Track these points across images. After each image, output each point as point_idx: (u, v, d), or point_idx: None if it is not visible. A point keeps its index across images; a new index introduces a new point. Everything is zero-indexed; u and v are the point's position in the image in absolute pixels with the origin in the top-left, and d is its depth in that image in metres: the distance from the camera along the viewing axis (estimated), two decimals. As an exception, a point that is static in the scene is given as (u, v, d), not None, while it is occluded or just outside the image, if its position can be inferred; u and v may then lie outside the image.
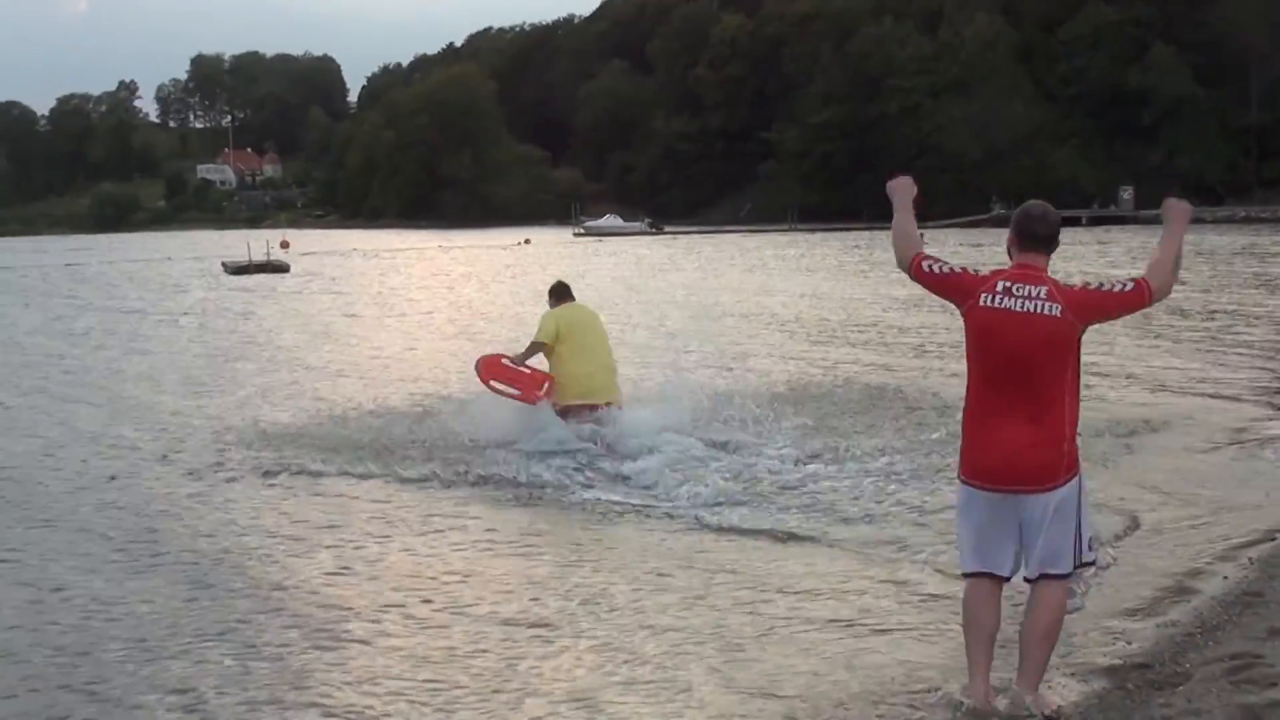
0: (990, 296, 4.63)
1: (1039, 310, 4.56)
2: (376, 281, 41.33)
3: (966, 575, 4.83)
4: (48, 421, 13.20)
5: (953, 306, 4.80)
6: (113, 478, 9.94)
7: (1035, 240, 4.72)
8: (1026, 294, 4.58)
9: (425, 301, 31.34)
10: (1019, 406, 4.58)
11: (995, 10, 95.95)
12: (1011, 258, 4.78)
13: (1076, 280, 4.95)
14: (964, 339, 4.77)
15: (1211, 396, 12.67)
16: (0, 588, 7.04)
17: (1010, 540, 4.70)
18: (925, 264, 4.87)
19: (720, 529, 7.83)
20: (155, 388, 15.63)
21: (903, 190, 5.27)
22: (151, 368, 17.90)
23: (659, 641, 5.85)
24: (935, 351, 16.89)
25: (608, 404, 10.30)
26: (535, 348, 10.48)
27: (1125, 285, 4.68)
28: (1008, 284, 4.63)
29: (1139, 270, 4.74)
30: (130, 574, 7.22)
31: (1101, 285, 4.73)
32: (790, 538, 7.59)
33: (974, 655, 4.82)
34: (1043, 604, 4.73)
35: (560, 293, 10.90)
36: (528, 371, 10.68)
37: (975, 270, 4.84)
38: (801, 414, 11.29)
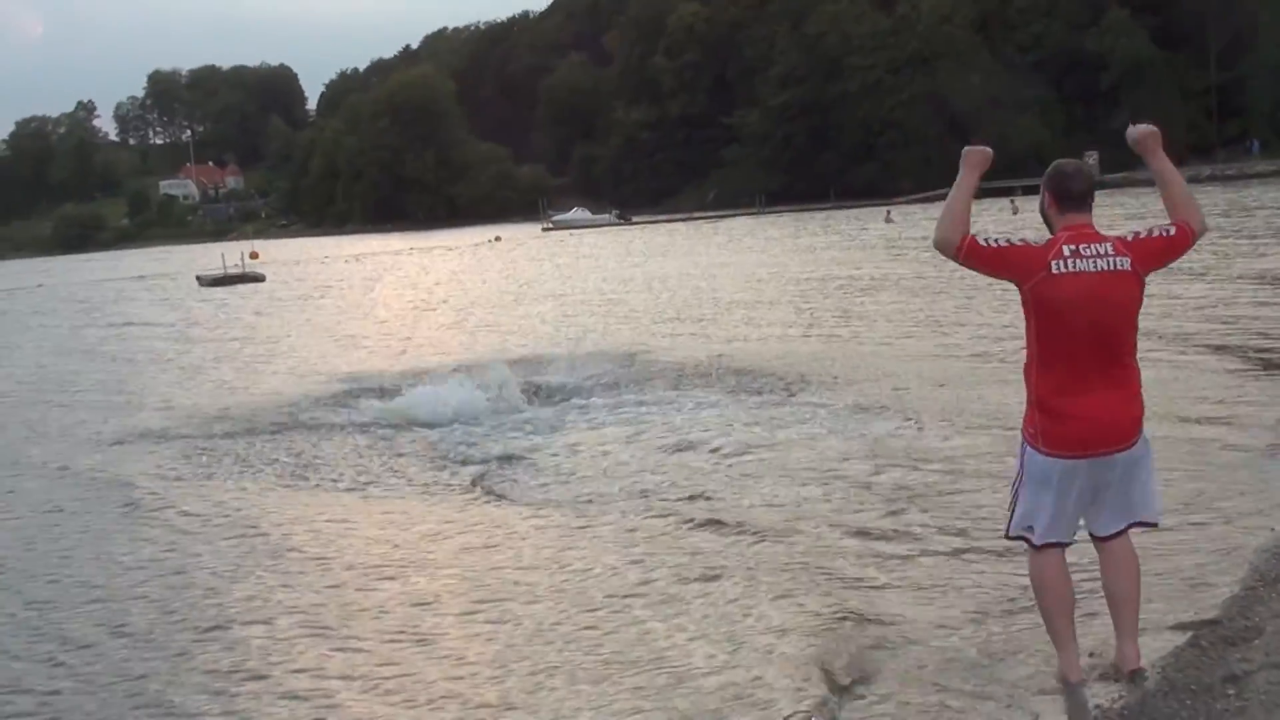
0: (1060, 263, 4.42)
1: (1113, 267, 4.42)
2: (361, 284, 41.18)
3: (1036, 548, 4.66)
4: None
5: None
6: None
7: (1075, 199, 4.57)
8: (1095, 252, 4.43)
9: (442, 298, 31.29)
10: (1105, 368, 4.47)
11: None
12: (1051, 224, 4.63)
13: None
14: (1024, 316, 4.55)
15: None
16: None
17: (1082, 506, 4.63)
18: (981, 239, 4.52)
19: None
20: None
21: (979, 161, 4.82)
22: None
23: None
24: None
25: None
26: None
27: (1168, 229, 4.59)
28: (1073, 247, 4.44)
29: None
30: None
31: (1151, 232, 4.58)
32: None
33: (1063, 630, 4.74)
34: (1129, 556, 4.68)
35: None
36: None
37: (1031, 241, 4.60)
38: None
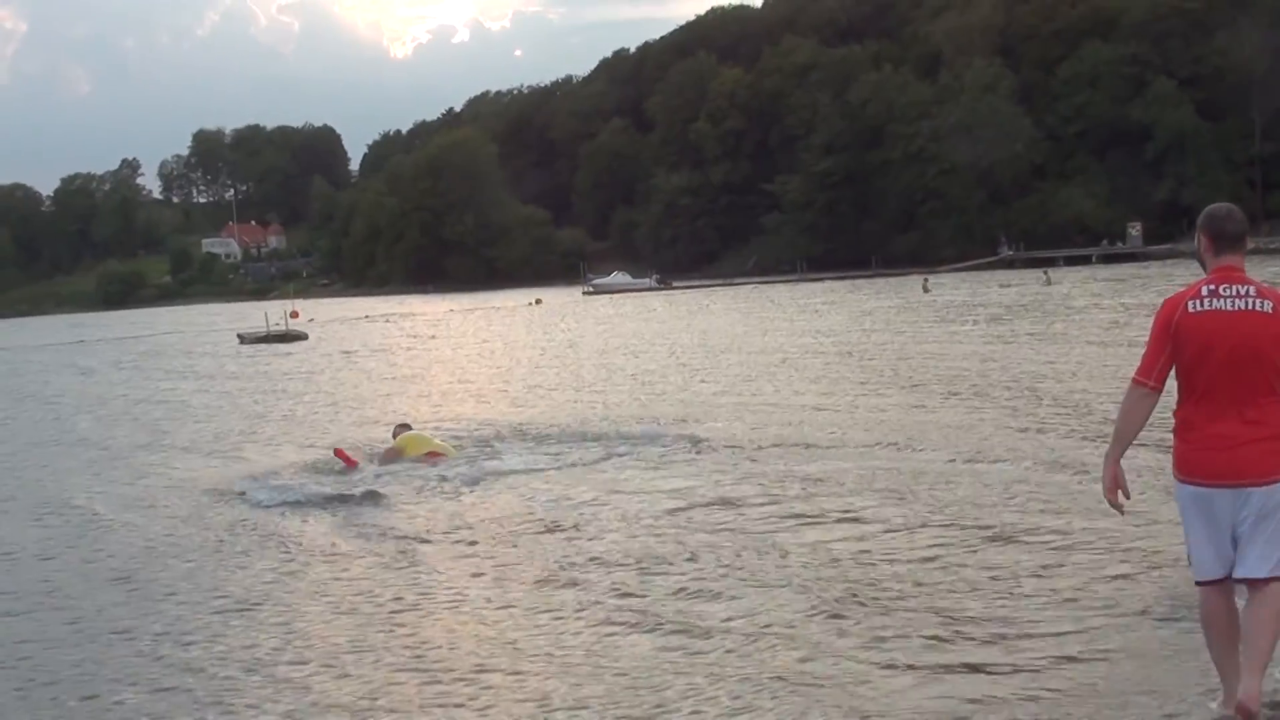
0: (1197, 302, 4.66)
1: (1251, 307, 4.60)
2: (410, 344, 41.16)
3: (1202, 584, 4.83)
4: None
5: None
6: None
7: (1229, 240, 4.75)
8: (1234, 293, 4.62)
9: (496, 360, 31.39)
10: (1240, 404, 4.61)
11: (993, 53, 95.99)
12: (1206, 266, 4.79)
13: None
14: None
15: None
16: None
17: (1228, 542, 4.70)
18: (1143, 370, 4.76)
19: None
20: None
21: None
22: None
23: None
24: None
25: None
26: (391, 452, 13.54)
27: None
28: (1212, 287, 4.67)
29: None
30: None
31: None
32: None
33: (1228, 662, 4.82)
34: (1271, 601, 4.66)
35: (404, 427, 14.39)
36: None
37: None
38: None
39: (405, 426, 14.48)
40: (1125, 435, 4.83)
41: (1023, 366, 20.08)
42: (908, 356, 23.62)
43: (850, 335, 31.11)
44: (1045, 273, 60.39)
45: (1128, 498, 4.88)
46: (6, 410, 26.49)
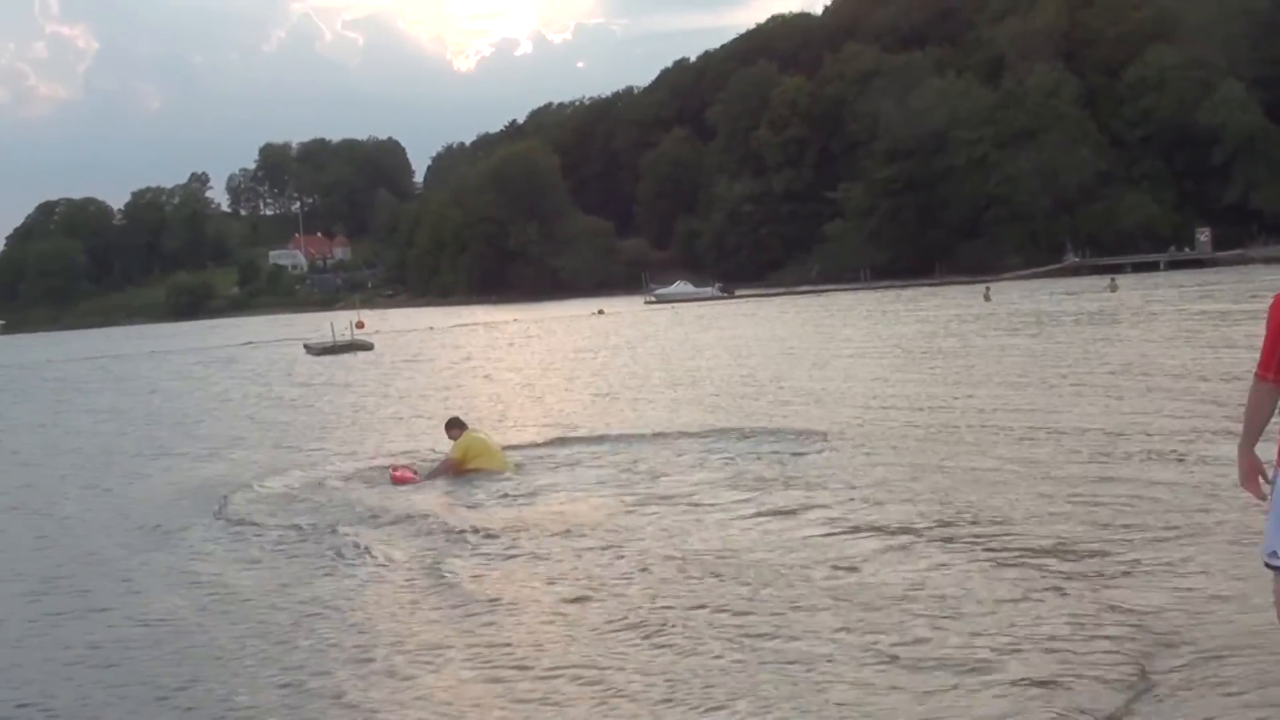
0: None
1: None
2: (472, 353, 41.04)
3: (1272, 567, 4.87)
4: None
5: None
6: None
7: None
8: None
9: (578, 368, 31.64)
10: None
11: (1056, 58, 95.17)
12: None
13: None
14: None
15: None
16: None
17: None
18: (1262, 365, 4.83)
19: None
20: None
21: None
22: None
23: None
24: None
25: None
26: (448, 464, 13.59)
27: None
28: None
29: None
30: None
31: None
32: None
33: None
34: None
35: (458, 424, 14.10)
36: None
37: None
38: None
39: (458, 423, 14.18)
40: (1254, 428, 4.89)
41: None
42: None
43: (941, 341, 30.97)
44: (1112, 280, 59.88)
45: (1270, 483, 4.87)
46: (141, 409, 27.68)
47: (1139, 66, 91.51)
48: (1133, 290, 53.37)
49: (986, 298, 55.52)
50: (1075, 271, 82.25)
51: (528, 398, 24.10)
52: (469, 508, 11.70)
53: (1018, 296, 56.91)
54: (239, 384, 35.17)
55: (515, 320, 71.50)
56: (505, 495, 12.27)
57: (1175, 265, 79.07)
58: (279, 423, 22.69)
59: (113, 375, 45.88)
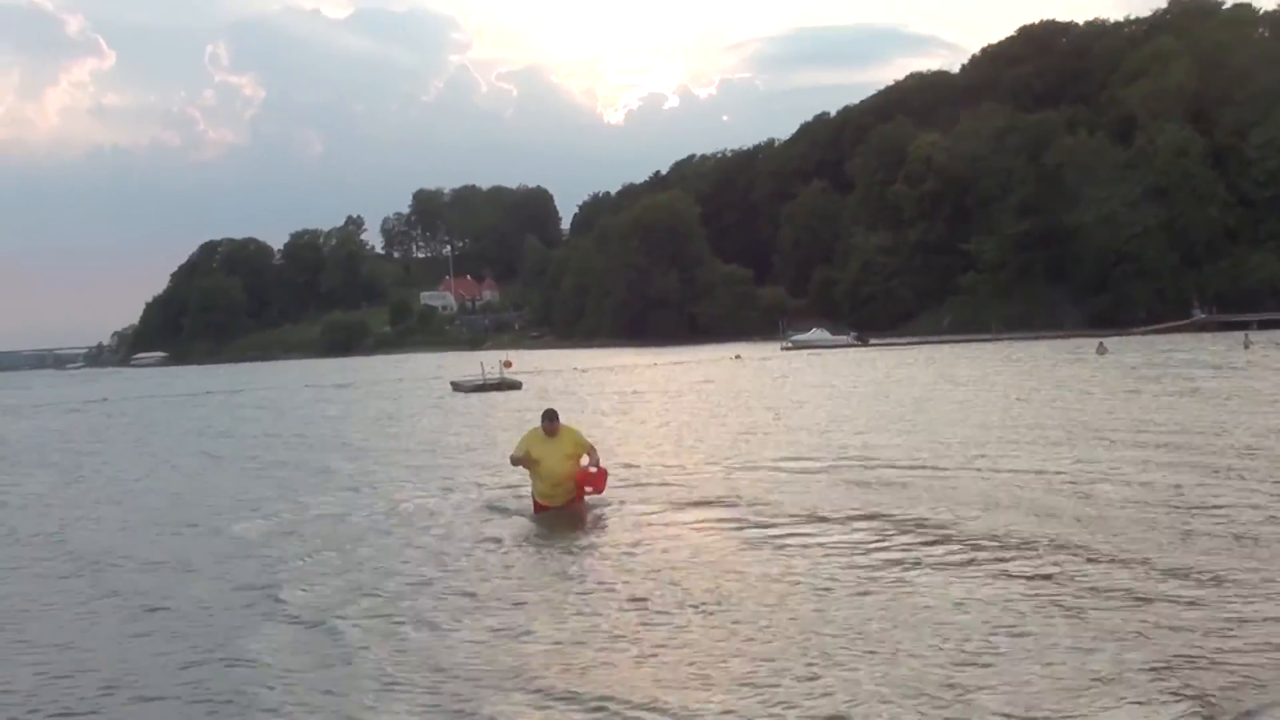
0: None
1: None
2: (620, 397, 41.49)
3: None
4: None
5: None
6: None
7: None
8: None
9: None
10: None
11: (1186, 118, 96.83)
12: None
13: None
14: None
15: None
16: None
17: None
18: None
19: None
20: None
21: None
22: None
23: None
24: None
25: None
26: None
27: None
28: None
29: None
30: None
31: None
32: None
33: None
34: None
35: (552, 416, 14.22)
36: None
37: None
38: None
39: (553, 415, 14.21)
40: None
41: None
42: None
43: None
44: (1246, 335, 60.57)
45: None
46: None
47: (1268, 127, 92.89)
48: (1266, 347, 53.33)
49: (1101, 350, 56.76)
50: (1202, 327, 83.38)
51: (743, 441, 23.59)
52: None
53: (1132, 350, 57.94)
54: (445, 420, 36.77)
55: (656, 364, 72.65)
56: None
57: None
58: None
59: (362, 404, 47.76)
